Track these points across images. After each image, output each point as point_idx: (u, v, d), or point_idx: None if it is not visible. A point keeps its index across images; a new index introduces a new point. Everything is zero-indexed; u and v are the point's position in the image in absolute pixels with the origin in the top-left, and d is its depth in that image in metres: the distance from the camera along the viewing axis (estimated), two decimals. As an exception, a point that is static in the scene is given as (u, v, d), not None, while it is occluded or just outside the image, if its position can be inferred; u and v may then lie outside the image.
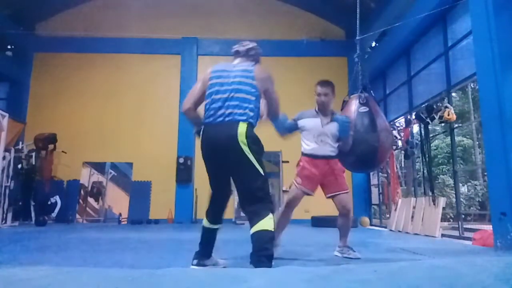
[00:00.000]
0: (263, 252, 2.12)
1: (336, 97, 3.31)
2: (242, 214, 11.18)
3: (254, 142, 2.29)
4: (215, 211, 2.57)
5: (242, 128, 2.27)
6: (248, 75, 2.42)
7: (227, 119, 2.31)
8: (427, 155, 6.62)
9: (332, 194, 3.18)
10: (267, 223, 2.17)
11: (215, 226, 2.55)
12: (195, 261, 2.53)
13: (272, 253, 2.18)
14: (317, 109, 3.29)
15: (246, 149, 2.24)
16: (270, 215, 2.20)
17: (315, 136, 3.22)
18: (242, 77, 2.40)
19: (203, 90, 2.47)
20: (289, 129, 3.23)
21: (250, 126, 2.32)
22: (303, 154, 3.27)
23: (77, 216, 9.27)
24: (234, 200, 9.78)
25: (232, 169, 2.35)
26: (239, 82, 2.38)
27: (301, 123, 3.27)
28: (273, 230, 2.19)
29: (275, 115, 2.62)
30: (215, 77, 2.46)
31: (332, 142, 3.21)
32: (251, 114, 2.34)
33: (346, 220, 3.21)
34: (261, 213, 2.20)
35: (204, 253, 2.57)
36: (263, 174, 2.29)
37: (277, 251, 3.07)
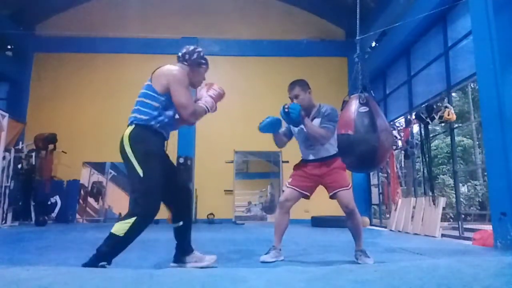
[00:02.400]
0: (96, 252, 2.16)
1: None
2: (240, 214, 11.21)
3: (135, 142, 2.28)
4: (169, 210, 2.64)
5: (127, 130, 2.33)
6: (150, 77, 2.45)
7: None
8: (427, 155, 6.62)
9: (332, 193, 3.02)
10: (118, 226, 2.18)
11: (174, 225, 2.59)
12: (173, 260, 2.60)
13: (103, 256, 2.15)
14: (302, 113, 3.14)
15: (128, 149, 2.28)
16: (129, 220, 2.17)
17: (303, 141, 3.15)
18: (148, 81, 2.45)
19: None
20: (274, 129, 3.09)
21: (138, 127, 2.32)
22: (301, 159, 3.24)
23: (77, 216, 9.26)
24: (233, 200, 9.80)
25: (126, 170, 2.37)
26: (144, 86, 2.45)
27: (292, 129, 3.22)
28: (121, 235, 2.14)
29: (188, 116, 2.40)
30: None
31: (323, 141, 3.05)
32: (137, 116, 2.35)
33: (353, 220, 2.99)
34: (126, 214, 2.22)
35: (180, 250, 2.60)
36: (141, 174, 2.23)
37: (280, 254, 3.05)
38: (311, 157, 3.10)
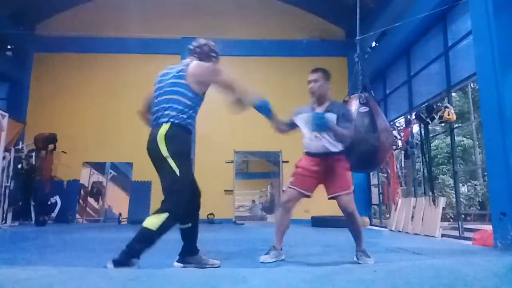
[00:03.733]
0: (128, 248, 2.15)
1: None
2: (240, 214, 11.19)
3: (172, 141, 2.31)
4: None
5: (163, 129, 2.33)
6: (180, 75, 2.46)
7: (155, 122, 2.43)
8: (427, 155, 6.62)
9: (331, 196, 2.93)
10: (151, 220, 2.19)
11: (182, 226, 2.57)
12: (177, 259, 2.62)
13: (134, 251, 2.16)
14: (312, 101, 3.11)
15: (163, 148, 2.30)
16: (162, 215, 2.19)
17: (310, 132, 2.99)
18: (174, 78, 2.47)
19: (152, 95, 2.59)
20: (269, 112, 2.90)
21: (174, 126, 2.34)
22: (304, 153, 3.13)
23: (77, 216, 9.26)
24: (234, 200, 9.80)
25: (158, 167, 2.40)
26: (171, 84, 2.46)
27: (297, 119, 3.12)
28: (154, 229, 2.16)
29: (244, 101, 2.54)
30: (157, 82, 2.57)
31: (331, 136, 2.92)
32: (173, 114, 2.36)
33: (353, 222, 2.93)
34: (159, 209, 2.24)
35: (185, 251, 2.61)
36: (178, 174, 2.28)
37: (280, 254, 3.02)
38: (315, 150, 2.98)
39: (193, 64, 2.49)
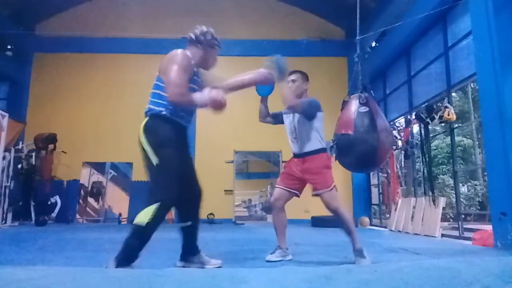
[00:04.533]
0: (124, 247, 2.14)
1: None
2: (240, 214, 11.20)
3: (149, 133, 2.31)
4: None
5: (142, 123, 2.36)
6: (159, 68, 2.43)
7: None
8: (427, 155, 6.62)
9: (314, 193, 2.97)
10: (141, 216, 2.14)
11: (182, 224, 2.57)
12: (178, 259, 2.61)
13: (133, 251, 2.14)
14: None
15: (142, 139, 2.31)
16: (149, 208, 2.15)
17: (289, 134, 3.15)
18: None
19: None
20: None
21: (152, 117, 2.35)
22: None
23: (77, 216, 9.26)
24: (233, 200, 9.80)
25: (144, 162, 2.37)
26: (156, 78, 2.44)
27: (283, 117, 3.24)
28: (145, 222, 2.11)
29: (174, 94, 2.25)
30: None
31: (307, 134, 3.01)
32: (151, 107, 2.37)
33: (340, 219, 2.92)
34: (146, 203, 2.20)
35: (186, 250, 2.60)
36: (155, 163, 2.25)
37: (287, 254, 3.05)
38: (296, 151, 3.09)
39: (168, 54, 2.41)
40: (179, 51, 2.39)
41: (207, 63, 2.57)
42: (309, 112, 3.00)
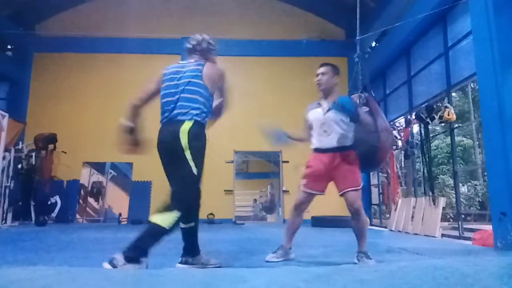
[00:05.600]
0: (136, 242, 2.13)
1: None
2: (240, 214, 11.20)
3: (194, 139, 2.35)
4: None
5: (186, 125, 2.36)
6: (197, 75, 2.49)
7: (174, 118, 2.42)
8: (427, 155, 6.62)
9: (341, 192, 2.87)
10: (164, 218, 2.18)
11: (184, 225, 2.53)
12: (179, 260, 2.60)
13: (144, 249, 2.13)
14: (319, 96, 3.10)
15: (185, 144, 2.31)
16: (175, 213, 2.19)
17: (318, 127, 2.98)
18: (191, 77, 2.48)
19: (154, 91, 2.58)
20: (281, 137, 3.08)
21: (197, 124, 2.39)
22: (312, 151, 3.07)
23: (77, 216, 9.27)
24: (234, 200, 9.80)
25: (172, 164, 2.40)
26: (188, 83, 2.46)
27: (308, 117, 3.10)
28: (166, 228, 2.15)
29: (223, 111, 2.70)
30: (167, 80, 2.55)
31: (340, 130, 2.91)
32: (196, 112, 2.41)
33: (357, 221, 2.87)
34: (169, 207, 2.24)
35: (187, 251, 2.59)
36: (195, 172, 2.32)
37: (289, 254, 3.02)
38: (326, 145, 2.94)
39: (207, 65, 2.53)
40: (218, 66, 2.59)
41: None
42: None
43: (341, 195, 2.87)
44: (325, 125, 2.94)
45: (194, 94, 2.43)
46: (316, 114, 3.04)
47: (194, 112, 2.39)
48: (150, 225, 2.20)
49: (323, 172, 2.92)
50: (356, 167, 2.90)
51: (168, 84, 2.52)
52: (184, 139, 2.31)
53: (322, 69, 3.04)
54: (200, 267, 2.51)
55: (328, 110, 2.96)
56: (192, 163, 2.31)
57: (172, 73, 2.57)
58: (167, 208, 2.24)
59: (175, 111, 2.42)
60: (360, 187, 2.86)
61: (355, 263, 2.83)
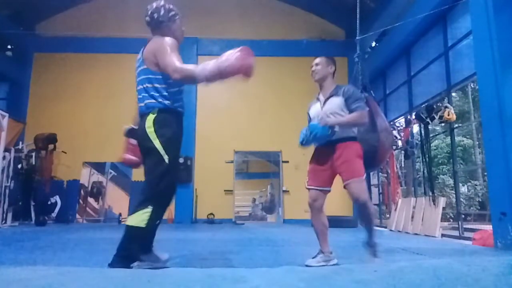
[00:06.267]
0: (120, 252, 2.05)
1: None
2: (240, 214, 11.18)
3: (161, 126, 2.17)
4: None
5: (150, 117, 2.20)
6: (140, 60, 2.32)
7: (140, 115, 2.30)
8: (427, 155, 6.62)
9: (344, 184, 2.73)
10: (138, 218, 2.06)
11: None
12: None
13: (131, 253, 2.05)
14: (319, 91, 3.02)
15: (152, 135, 2.16)
16: (147, 209, 2.07)
17: (319, 120, 2.85)
18: (137, 66, 2.34)
19: None
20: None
21: (160, 112, 2.19)
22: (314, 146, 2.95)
23: (77, 216, 9.27)
24: (233, 200, 9.80)
25: (145, 158, 2.28)
26: (138, 74, 2.33)
27: (309, 114, 3.04)
28: (143, 226, 2.04)
29: (181, 77, 2.11)
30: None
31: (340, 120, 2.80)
32: (153, 102, 2.21)
33: (363, 213, 2.77)
34: (140, 203, 2.11)
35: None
36: (166, 161, 2.14)
37: (330, 259, 2.77)
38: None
39: (150, 43, 2.28)
40: (161, 37, 2.26)
41: (176, 37, 2.34)
42: (365, 106, 2.86)
43: (345, 187, 2.73)
44: (323, 120, 2.82)
45: (144, 83, 2.25)
46: (315, 109, 2.98)
47: (152, 101, 2.20)
48: (126, 229, 2.09)
49: (325, 166, 2.82)
50: (358, 157, 2.76)
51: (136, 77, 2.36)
52: (151, 132, 2.15)
53: (316, 60, 2.99)
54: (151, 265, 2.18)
55: (325, 102, 2.89)
56: (162, 152, 2.13)
57: (136, 63, 2.40)
58: (139, 205, 2.12)
59: (139, 107, 2.29)
60: (363, 177, 2.72)
61: (357, 263, 2.82)
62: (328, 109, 2.84)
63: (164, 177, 2.15)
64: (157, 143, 2.14)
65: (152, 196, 2.13)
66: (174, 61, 2.08)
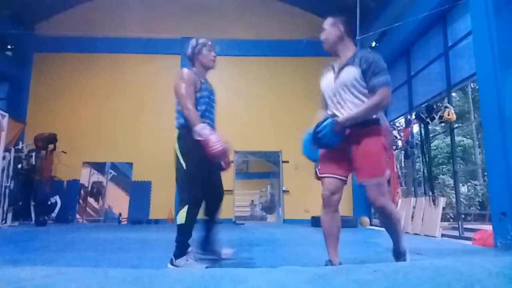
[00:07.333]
0: (176, 244, 2.52)
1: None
2: (240, 214, 11.16)
3: (180, 140, 2.64)
4: None
5: (175, 133, 2.70)
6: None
7: None
8: (427, 155, 6.62)
9: (359, 181, 2.23)
10: (180, 216, 2.51)
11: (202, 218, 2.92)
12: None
13: (183, 247, 2.51)
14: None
15: (175, 146, 2.66)
16: (183, 208, 2.50)
17: (330, 98, 2.34)
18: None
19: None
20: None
21: (180, 129, 2.66)
22: None
23: (77, 216, 9.27)
24: (233, 200, 9.80)
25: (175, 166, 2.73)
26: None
27: (321, 86, 2.47)
28: (183, 223, 2.48)
29: (184, 111, 2.60)
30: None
31: (355, 99, 2.22)
32: (178, 121, 2.69)
33: (384, 218, 2.29)
34: (179, 205, 2.57)
35: (204, 241, 2.92)
36: (185, 167, 2.58)
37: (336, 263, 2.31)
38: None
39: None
40: (181, 71, 2.71)
41: (205, 65, 2.83)
42: (388, 81, 2.19)
43: (361, 184, 2.24)
44: (337, 95, 2.29)
45: (176, 105, 2.74)
46: (327, 80, 2.40)
47: (177, 121, 2.71)
48: (177, 227, 2.54)
49: (340, 152, 2.25)
50: (381, 150, 2.19)
51: None
52: (175, 144, 2.67)
53: (323, 25, 2.48)
54: (212, 257, 2.82)
55: (339, 72, 2.30)
56: (182, 161, 2.59)
57: None
58: (178, 207, 2.55)
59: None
60: (384, 176, 2.18)
61: (357, 263, 2.80)
62: (343, 82, 2.26)
63: (187, 181, 2.59)
64: (178, 154, 2.64)
65: (184, 198, 2.58)
66: (186, 103, 2.58)
